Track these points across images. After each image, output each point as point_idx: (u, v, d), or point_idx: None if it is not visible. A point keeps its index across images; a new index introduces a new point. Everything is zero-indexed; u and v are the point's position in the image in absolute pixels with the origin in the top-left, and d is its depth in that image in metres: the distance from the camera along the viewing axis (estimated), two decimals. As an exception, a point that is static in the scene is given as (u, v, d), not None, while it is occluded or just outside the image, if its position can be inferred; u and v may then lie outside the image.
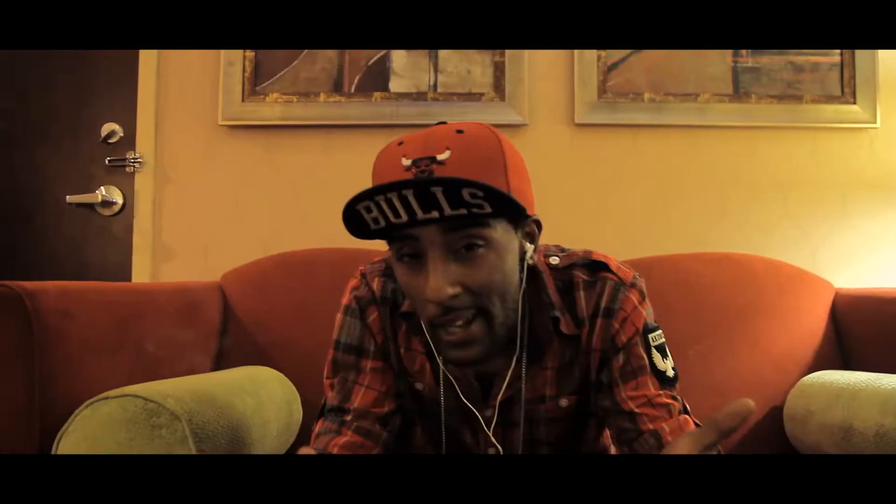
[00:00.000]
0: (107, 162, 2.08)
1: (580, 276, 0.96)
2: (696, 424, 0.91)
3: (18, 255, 2.12)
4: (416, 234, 0.80)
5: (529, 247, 0.91)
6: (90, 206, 2.10)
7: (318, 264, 1.79)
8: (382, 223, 0.78)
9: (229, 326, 1.70)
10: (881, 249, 2.02)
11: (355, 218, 0.79)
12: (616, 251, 1.05)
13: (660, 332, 0.97)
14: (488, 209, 0.76)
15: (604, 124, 2.02)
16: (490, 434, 1.01)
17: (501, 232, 0.83)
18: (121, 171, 2.09)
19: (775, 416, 1.63)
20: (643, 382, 0.94)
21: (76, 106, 2.12)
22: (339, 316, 1.06)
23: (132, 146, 2.08)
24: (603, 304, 0.95)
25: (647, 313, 0.97)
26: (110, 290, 1.32)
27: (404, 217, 0.76)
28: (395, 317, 1.01)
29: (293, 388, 1.55)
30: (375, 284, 1.03)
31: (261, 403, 1.32)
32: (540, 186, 1.82)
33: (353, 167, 2.02)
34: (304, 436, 1.57)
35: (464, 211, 0.76)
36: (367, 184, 0.81)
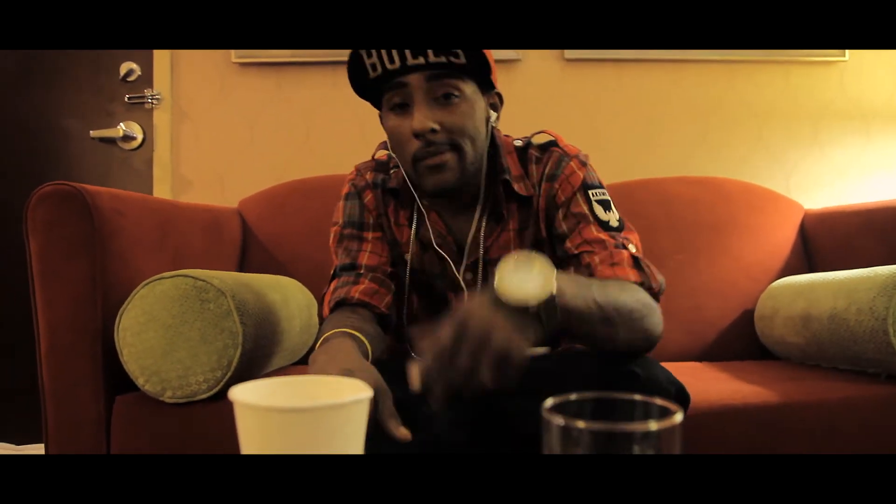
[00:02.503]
0: (126, 99, 2.22)
1: (533, 152, 1.15)
2: (633, 258, 1.01)
3: (45, 189, 2.26)
4: (406, 80, 1.00)
5: (493, 114, 1.11)
6: (112, 141, 2.24)
7: (328, 188, 1.93)
8: (379, 70, 1.00)
9: (248, 243, 1.86)
10: (849, 174, 2.19)
11: (357, 66, 1.01)
12: (604, 176, 1.19)
13: (603, 191, 1.11)
14: (463, 60, 0.98)
15: (592, 59, 2.16)
16: (464, 288, 1.15)
17: (472, 91, 1.04)
18: (140, 108, 2.23)
19: (747, 317, 1.81)
20: (585, 229, 1.06)
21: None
22: (339, 203, 1.23)
23: (150, 84, 2.22)
24: (547, 171, 1.12)
25: (589, 175, 1.11)
26: (150, 199, 1.47)
27: (397, 62, 0.98)
28: (385, 196, 1.19)
29: (311, 294, 1.71)
30: (368, 175, 1.22)
31: (286, 300, 1.48)
32: (532, 118, 1.98)
33: (359, 100, 2.15)
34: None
35: (443, 59, 0.98)
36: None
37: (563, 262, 1.10)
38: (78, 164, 2.26)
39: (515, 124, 1.50)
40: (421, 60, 0.98)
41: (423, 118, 0.99)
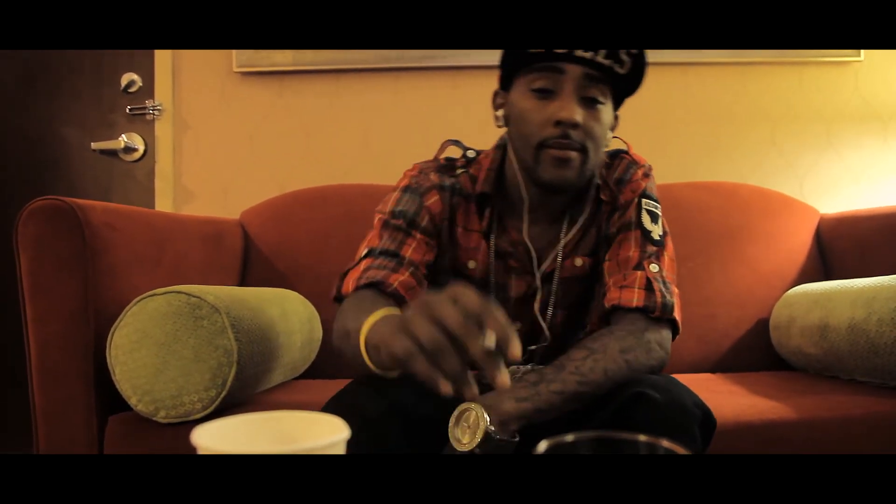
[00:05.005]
0: (127, 110, 2.19)
1: (604, 158, 1.16)
2: (646, 279, 1.03)
3: (47, 201, 2.24)
4: (565, 67, 0.99)
5: (610, 134, 1.11)
6: (113, 153, 2.21)
7: (331, 198, 1.91)
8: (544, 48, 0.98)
9: (250, 255, 1.83)
10: (864, 178, 2.13)
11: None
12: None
13: (656, 203, 1.12)
14: (624, 71, 1.00)
15: (600, 63, 2.11)
16: (536, 307, 1.14)
17: (609, 103, 1.05)
18: (141, 119, 2.20)
19: (762, 327, 1.75)
20: (628, 237, 1.08)
21: (96, 57, 2.22)
22: (394, 193, 1.15)
23: (151, 95, 2.19)
24: (616, 175, 1.13)
25: (649, 186, 1.13)
26: (147, 213, 1.44)
27: (566, 48, 0.98)
28: (455, 198, 1.14)
29: (313, 307, 1.68)
30: (434, 176, 1.15)
31: (286, 314, 1.44)
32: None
33: (361, 108, 2.13)
34: (324, 353, 1.70)
35: (608, 62, 0.99)
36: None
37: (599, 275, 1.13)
38: (79, 177, 2.23)
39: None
40: (588, 55, 0.98)
41: (573, 109, 0.98)
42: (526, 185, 1.09)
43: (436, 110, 2.13)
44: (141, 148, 2.20)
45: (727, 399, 1.28)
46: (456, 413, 0.88)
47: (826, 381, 1.47)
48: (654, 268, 1.05)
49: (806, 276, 1.81)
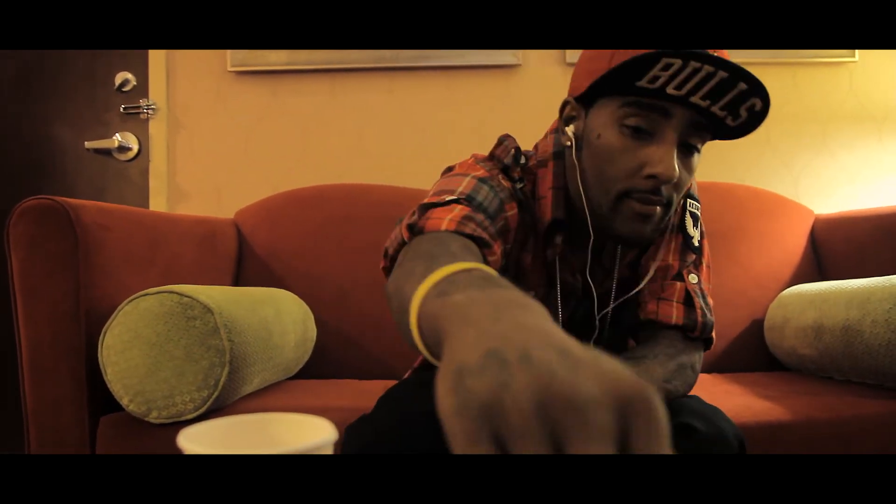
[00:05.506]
0: (121, 109, 2.18)
1: None
2: (686, 292, 0.96)
3: (40, 201, 2.23)
4: (674, 112, 0.81)
5: None
6: (107, 153, 2.20)
7: (326, 198, 1.90)
8: (660, 84, 0.78)
9: (244, 255, 1.82)
10: (859, 178, 2.13)
11: (640, 66, 0.78)
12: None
13: (697, 204, 1.03)
14: (733, 123, 0.83)
15: (595, 63, 2.11)
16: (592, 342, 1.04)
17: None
18: (135, 118, 2.19)
19: (756, 327, 1.75)
20: (668, 241, 1.00)
21: (90, 56, 2.21)
22: (466, 179, 0.89)
23: (145, 94, 2.18)
24: None
25: (693, 186, 1.03)
26: (141, 213, 1.43)
27: (687, 89, 0.78)
28: (522, 214, 0.95)
29: (307, 307, 1.67)
30: (505, 182, 0.93)
31: (279, 314, 1.43)
32: (533, 122, 1.93)
33: (357, 108, 2.12)
34: (318, 353, 1.70)
35: (723, 113, 0.81)
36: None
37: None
38: (73, 176, 2.23)
39: (516, 128, 1.46)
40: (706, 104, 0.80)
41: (673, 166, 0.81)
42: (592, 223, 0.91)
43: (430, 110, 2.13)
44: (135, 147, 2.19)
45: (722, 399, 1.27)
46: None
47: (820, 381, 1.47)
48: (693, 279, 0.98)
49: (801, 276, 1.81)
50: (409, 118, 2.12)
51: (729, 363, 1.74)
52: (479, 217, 0.81)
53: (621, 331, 1.07)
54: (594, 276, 1.01)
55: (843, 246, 1.78)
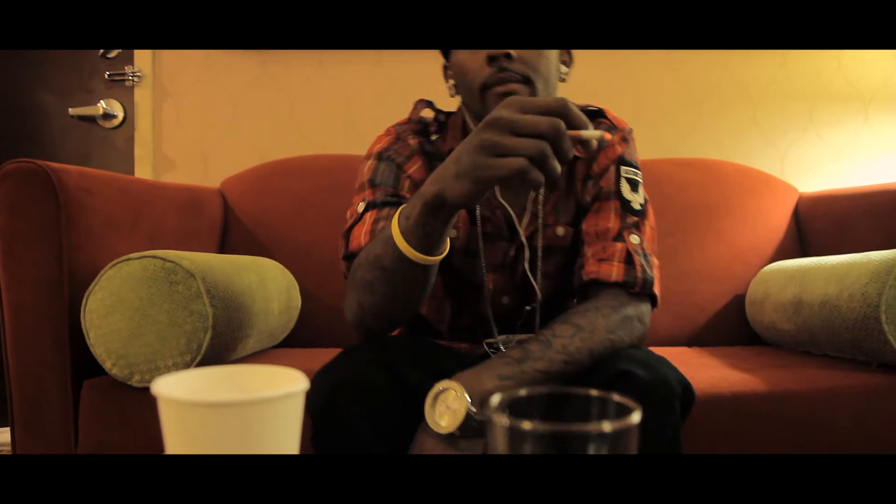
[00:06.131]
0: (106, 76, 2.16)
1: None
2: (626, 252, 1.00)
3: (25, 167, 2.21)
4: None
5: (564, 69, 1.10)
6: (92, 120, 2.19)
7: (312, 168, 1.90)
8: None
9: (230, 224, 1.82)
10: (845, 157, 2.15)
11: None
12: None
13: (636, 170, 1.08)
14: None
15: (584, 37, 2.11)
16: (527, 266, 1.09)
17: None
18: (120, 85, 2.17)
19: (738, 302, 1.77)
20: (606, 207, 1.04)
21: (75, 21, 2.19)
22: (369, 162, 1.09)
23: (131, 61, 2.16)
24: None
25: (628, 151, 1.08)
26: (124, 178, 1.42)
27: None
28: (434, 163, 1.08)
29: (292, 276, 1.67)
30: (412, 140, 1.10)
31: (263, 282, 1.44)
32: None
33: (344, 79, 2.11)
34: (303, 322, 1.70)
35: None
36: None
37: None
38: (57, 143, 2.21)
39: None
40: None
41: (502, 48, 0.96)
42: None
43: (417, 82, 2.12)
44: (120, 115, 2.18)
45: (700, 371, 1.29)
46: (433, 393, 0.82)
47: (798, 355, 1.49)
48: (634, 239, 1.02)
49: (783, 253, 1.83)
50: (396, 89, 2.11)
51: (709, 338, 1.76)
52: (383, 200, 1.01)
53: (564, 281, 1.12)
54: (514, 208, 1.09)
55: (825, 223, 1.80)
